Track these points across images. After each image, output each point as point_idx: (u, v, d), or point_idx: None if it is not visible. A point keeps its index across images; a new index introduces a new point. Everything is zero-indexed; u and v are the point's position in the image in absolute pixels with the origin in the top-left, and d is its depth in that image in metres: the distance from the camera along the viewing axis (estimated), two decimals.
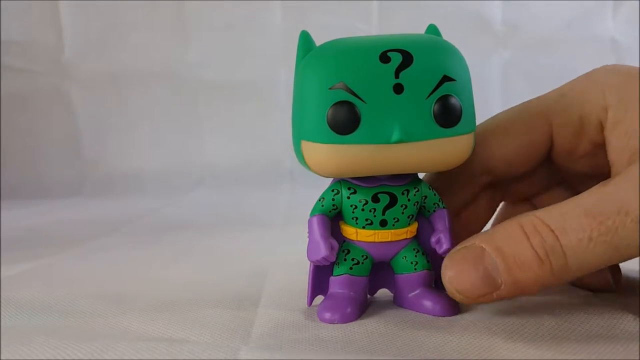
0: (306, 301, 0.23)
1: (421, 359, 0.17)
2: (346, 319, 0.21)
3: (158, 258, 0.40)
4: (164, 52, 0.86)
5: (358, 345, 0.19)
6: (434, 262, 0.22)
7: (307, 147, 0.20)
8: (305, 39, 0.21)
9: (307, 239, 0.21)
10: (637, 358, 0.17)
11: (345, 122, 0.18)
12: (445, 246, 0.21)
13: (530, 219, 0.18)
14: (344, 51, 0.19)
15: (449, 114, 0.19)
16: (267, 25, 0.86)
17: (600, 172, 0.21)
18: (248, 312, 0.23)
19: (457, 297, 0.19)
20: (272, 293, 0.27)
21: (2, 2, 0.82)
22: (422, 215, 0.22)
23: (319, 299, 0.23)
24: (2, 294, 0.27)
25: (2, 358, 0.18)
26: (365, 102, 0.18)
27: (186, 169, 0.86)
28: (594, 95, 0.21)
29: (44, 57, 0.85)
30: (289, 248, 0.40)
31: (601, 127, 0.21)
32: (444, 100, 0.19)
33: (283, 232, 0.49)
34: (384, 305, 0.23)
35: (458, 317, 0.21)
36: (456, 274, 0.19)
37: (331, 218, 0.22)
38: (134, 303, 0.26)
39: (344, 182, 0.21)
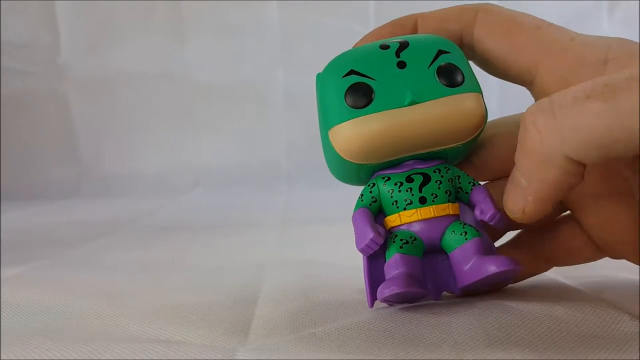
0: (367, 302, 0.22)
1: (418, 359, 0.18)
2: (404, 287, 0.20)
3: (155, 259, 0.40)
4: (160, 54, 0.86)
5: (355, 345, 0.19)
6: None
7: (334, 133, 0.21)
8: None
9: (354, 234, 0.21)
10: (635, 358, 0.17)
11: (361, 96, 0.21)
12: (489, 212, 0.21)
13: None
14: (349, 51, 0.22)
15: (452, 74, 0.21)
16: (264, 26, 0.86)
17: None
18: (245, 313, 0.23)
19: (514, 217, 0.20)
20: (269, 294, 0.27)
21: None
22: (461, 200, 0.23)
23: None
24: (0, 296, 0.27)
25: (2, 359, 0.18)
26: (375, 80, 0.21)
27: (183, 170, 0.86)
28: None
29: (41, 59, 0.85)
30: (286, 249, 0.40)
31: None
32: (444, 65, 0.21)
33: (280, 233, 0.49)
34: (382, 306, 0.23)
35: (455, 316, 0.21)
36: (505, 195, 0.20)
37: (374, 213, 0.22)
38: (132, 304, 0.26)
39: (378, 176, 0.22)
